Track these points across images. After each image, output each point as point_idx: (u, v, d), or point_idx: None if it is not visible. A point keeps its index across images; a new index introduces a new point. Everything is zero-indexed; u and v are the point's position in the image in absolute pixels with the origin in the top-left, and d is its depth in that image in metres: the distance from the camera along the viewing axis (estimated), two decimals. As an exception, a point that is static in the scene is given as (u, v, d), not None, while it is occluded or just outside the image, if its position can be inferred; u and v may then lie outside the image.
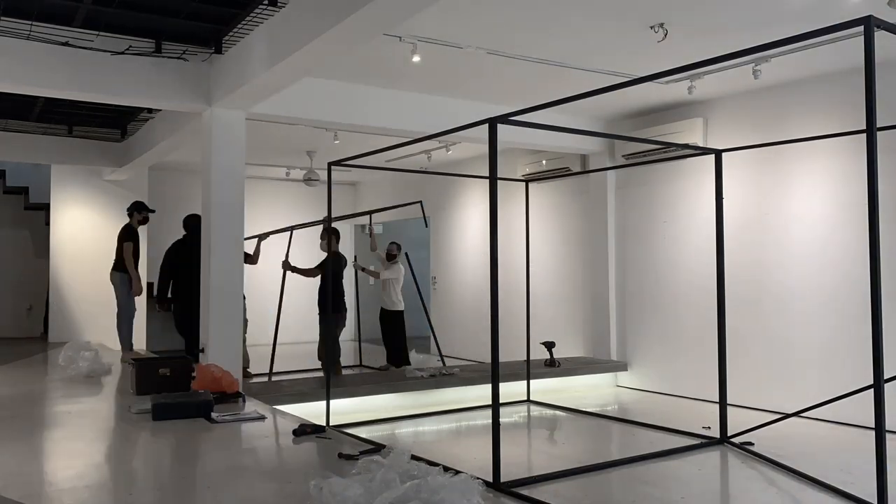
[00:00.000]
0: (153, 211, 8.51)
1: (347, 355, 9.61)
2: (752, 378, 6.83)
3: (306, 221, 9.32)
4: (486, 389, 6.87)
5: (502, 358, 8.42)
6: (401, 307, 9.07)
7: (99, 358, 6.77)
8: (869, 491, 4.45)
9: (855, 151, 6.18)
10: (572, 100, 4.32)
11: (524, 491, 4.28)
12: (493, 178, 4.35)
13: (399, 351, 8.95)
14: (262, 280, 10.70)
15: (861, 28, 3.20)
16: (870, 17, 3.16)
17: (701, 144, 7.22)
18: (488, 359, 8.23)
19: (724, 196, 7.22)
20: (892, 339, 5.82)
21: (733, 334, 7.05)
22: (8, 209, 10.86)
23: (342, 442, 4.28)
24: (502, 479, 4.27)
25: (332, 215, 6.42)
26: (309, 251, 10.19)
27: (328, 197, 6.11)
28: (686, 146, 6.44)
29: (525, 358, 7.55)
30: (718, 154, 5.69)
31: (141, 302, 10.23)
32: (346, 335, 12.70)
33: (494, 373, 4.36)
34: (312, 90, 6.43)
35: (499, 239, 4.34)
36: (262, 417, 4.86)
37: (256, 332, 8.84)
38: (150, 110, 7.77)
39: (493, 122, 4.38)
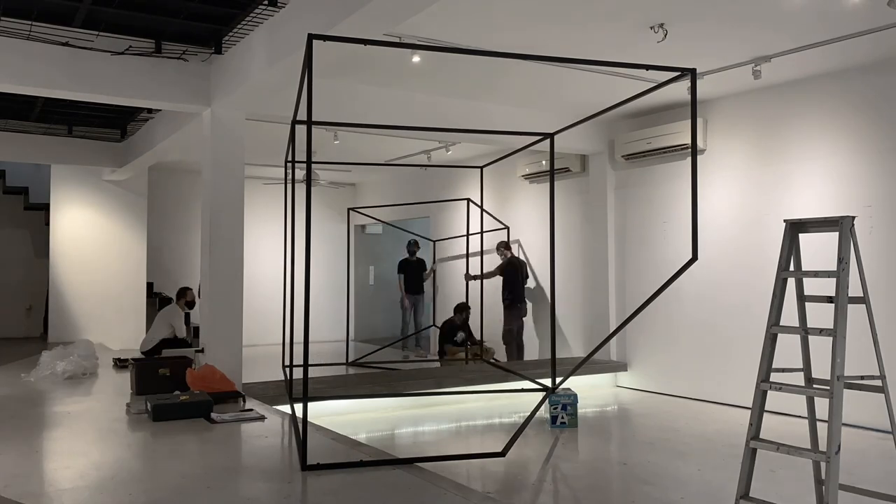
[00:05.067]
0: None
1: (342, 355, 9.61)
2: (752, 378, 6.81)
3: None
4: (487, 387, 6.93)
5: (503, 357, 8.46)
6: None
7: (80, 361, 6.77)
8: (869, 491, 4.45)
9: (853, 152, 6.18)
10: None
11: (524, 494, 4.27)
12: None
13: None
14: (261, 279, 10.71)
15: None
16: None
17: (701, 145, 7.22)
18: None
19: (722, 194, 7.21)
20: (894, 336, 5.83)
21: (733, 334, 7.07)
22: (8, 209, 10.86)
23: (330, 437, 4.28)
24: (494, 486, 4.26)
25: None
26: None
27: (285, 195, 5.93)
28: (685, 147, 6.44)
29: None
30: (693, 73, 4.59)
31: (140, 302, 10.26)
32: (341, 335, 12.73)
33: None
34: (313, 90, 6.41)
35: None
36: (262, 417, 4.87)
37: (258, 332, 8.83)
38: (150, 110, 7.77)
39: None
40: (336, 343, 11.99)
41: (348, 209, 10.54)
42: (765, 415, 3.79)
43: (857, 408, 6.01)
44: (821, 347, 3.68)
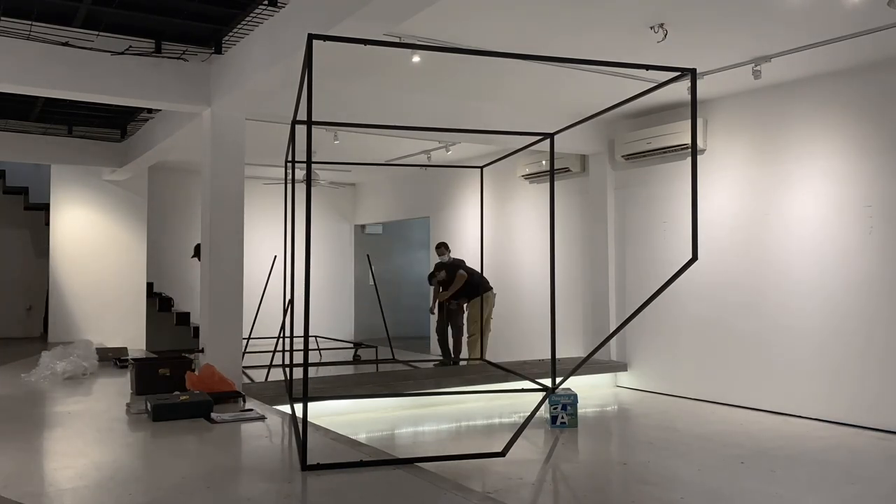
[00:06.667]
0: None
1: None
2: (752, 378, 6.82)
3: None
4: (487, 388, 6.93)
5: (503, 357, 8.48)
6: None
7: (80, 361, 6.76)
8: (869, 491, 4.46)
9: (853, 152, 6.18)
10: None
11: (524, 494, 4.27)
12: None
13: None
14: (261, 279, 10.70)
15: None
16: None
17: (701, 145, 7.22)
18: (491, 358, 8.25)
19: (722, 194, 7.22)
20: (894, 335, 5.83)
21: (733, 334, 7.07)
22: (8, 209, 10.86)
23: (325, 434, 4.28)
24: (494, 486, 4.26)
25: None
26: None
27: (285, 195, 6.06)
28: (685, 146, 6.44)
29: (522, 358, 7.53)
30: (693, 73, 4.75)
31: (140, 302, 10.27)
32: (344, 335, 12.73)
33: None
34: (313, 90, 6.41)
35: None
36: (262, 417, 4.87)
37: (259, 332, 8.82)
38: (150, 110, 7.76)
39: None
40: (342, 342, 11.99)
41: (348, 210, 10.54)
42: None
43: (858, 408, 6.03)
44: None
